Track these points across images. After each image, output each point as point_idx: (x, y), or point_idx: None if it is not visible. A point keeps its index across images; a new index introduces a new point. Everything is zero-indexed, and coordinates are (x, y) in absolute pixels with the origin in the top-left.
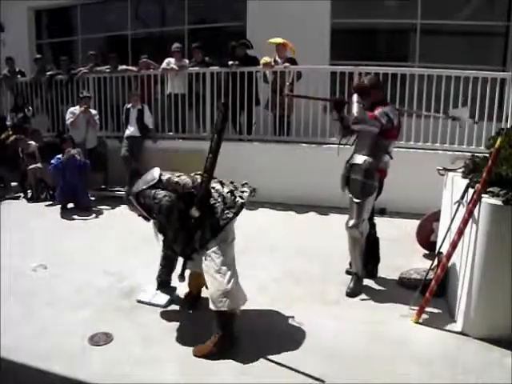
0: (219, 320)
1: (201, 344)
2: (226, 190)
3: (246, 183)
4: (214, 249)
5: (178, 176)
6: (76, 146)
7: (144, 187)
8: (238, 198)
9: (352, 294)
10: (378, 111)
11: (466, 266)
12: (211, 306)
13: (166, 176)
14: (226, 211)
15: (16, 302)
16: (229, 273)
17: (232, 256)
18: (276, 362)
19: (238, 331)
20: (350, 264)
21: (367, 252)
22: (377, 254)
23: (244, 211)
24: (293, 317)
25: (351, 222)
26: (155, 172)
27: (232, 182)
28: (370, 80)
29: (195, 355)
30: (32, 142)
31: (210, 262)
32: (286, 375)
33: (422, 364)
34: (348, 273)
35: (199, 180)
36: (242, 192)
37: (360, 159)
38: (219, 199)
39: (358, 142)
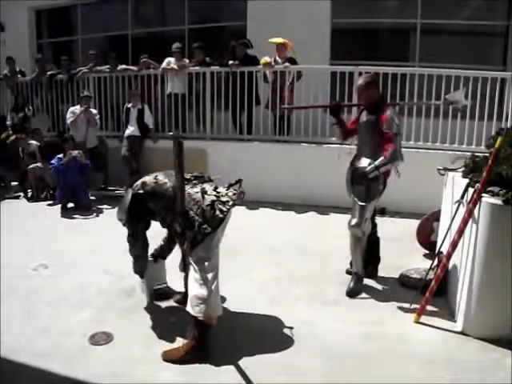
0: (195, 326)
1: (173, 348)
2: (206, 202)
3: (237, 181)
4: (195, 258)
5: (155, 177)
6: (76, 146)
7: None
8: (217, 212)
9: (352, 293)
10: (385, 122)
11: (466, 265)
12: (189, 310)
13: (148, 186)
14: (203, 226)
15: (16, 302)
16: (209, 281)
17: (214, 263)
18: (276, 362)
19: (237, 332)
20: (351, 263)
21: (368, 252)
22: (377, 253)
23: (244, 210)
24: (293, 317)
25: (354, 221)
26: (128, 196)
27: (216, 189)
28: (365, 78)
29: (165, 359)
30: (33, 142)
31: (192, 272)
32: (285, 375)
33: (422, 364)
34: (348, 272)
35: (170, 184)
36: (224, 203)
37: (365, 162)
38: (198, 211)
39: (360, 145)
